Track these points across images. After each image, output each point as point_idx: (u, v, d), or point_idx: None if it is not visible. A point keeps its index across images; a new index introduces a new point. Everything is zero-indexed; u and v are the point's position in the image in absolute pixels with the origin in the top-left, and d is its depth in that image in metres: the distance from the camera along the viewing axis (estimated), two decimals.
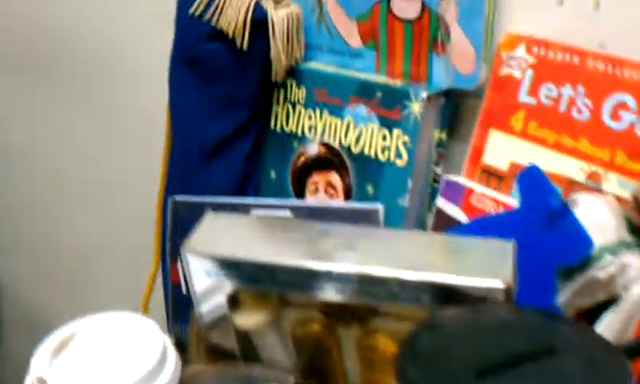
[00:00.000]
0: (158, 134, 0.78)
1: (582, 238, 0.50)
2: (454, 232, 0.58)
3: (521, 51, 0.64)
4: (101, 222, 1.05)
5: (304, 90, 0.72)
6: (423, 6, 0.66)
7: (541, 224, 0.53)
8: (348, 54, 0.72)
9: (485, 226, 0.56)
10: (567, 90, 0.61)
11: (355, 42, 0.71)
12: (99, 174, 1.03)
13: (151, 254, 0.81)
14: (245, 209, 0.70)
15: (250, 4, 0.66)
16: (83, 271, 1.11)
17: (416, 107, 0.65)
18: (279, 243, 0.54)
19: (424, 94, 0.65)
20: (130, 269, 0.91)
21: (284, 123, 0.74)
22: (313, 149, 0.72)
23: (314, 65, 0.73)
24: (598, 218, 0.52)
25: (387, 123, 0.67)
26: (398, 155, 0.66)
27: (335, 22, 0.72)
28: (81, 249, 1.10)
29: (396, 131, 0.66)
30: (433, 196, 0.70)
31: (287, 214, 0.69)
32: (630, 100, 0.58)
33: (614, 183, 0.58)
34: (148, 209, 0.80)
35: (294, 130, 0.73)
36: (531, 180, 0.53)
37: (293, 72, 0.72)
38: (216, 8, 0.66)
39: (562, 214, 0.51)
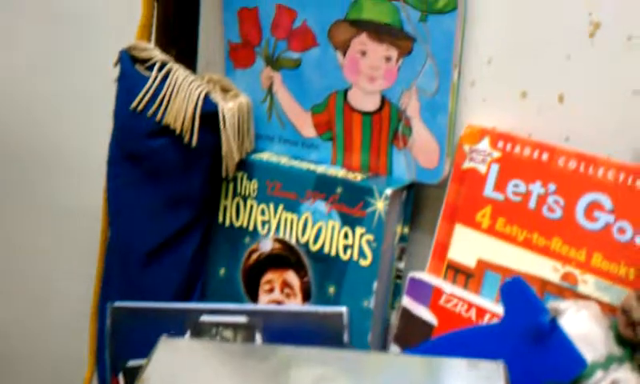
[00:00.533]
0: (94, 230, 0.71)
1: (574, 357, 0.48)
2: (435, 348, 0.54)
3: (485, 145, 0.62)
4: (27, 325, 0.95)
5: (256, 183, 0.67)
6: (383, 98, 0.63)
7: (528, 340, 0.50)
8: (301, 144, 0.68)
9: (466, 340, 0.53)
10: (537, 187, 0.60)
11: (309, 132, 0.67)
12: (29, 274, 0.93)
13: (82, 363, 0.73)
14: (195, 315, 0.64)
15: (198, 97, 0.61)
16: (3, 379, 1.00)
17: (380, 205, 0.61)
18: (244, 379, 0.49)
19: (388, 192, 0.61)
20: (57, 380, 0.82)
21: (234, 218, 0.69)
22: (267, 245, 0.67)
23: (265, 156, 0.68)
24: (585, 330, 0.50)
25: (349, 221, 0.63)
26: (362, 255, 0.62)
27: (287, 112, 0.67)
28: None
29: (359, 230, 0.62)
30: (396, 293, 0.66)
31: (243, 319, 0.63)
32: (605, 200, 0.57)
33: (590, 285, 0.57)
34: (82, 313, 0.72)
35: (244, 225, 0.68)
36: (516, 293, 0.50)
37: (243, 164, 0.68)
38: (160, 103, 0.61)
39: (552, 331, 0.48)
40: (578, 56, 0.58)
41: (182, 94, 0.61)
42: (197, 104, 0.61)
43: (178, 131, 0.61)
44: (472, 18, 0.60)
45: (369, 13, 0.60)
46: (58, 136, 0.84)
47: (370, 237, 0.62)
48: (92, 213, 0.73)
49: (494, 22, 0.60)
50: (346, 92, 0.64)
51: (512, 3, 0.59)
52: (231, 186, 0.69)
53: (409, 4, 0.59)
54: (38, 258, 0.91)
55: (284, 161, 0.67)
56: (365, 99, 0.64)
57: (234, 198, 0.69)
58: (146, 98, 0.61)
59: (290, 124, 0.68)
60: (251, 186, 0.68)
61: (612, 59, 0.58)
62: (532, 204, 0.60)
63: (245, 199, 0.68)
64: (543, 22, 0.59)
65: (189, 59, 0.66)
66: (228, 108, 0.63)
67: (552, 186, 0.59)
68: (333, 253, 0.64)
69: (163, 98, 0.61)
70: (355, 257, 0.63)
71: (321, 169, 0.65)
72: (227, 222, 0.69)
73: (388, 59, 0.61)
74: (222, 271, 0.69)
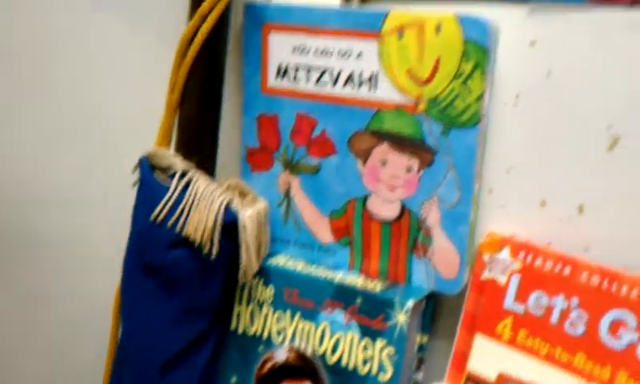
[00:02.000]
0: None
1: None
2: None
3: (505, 254, 0.61)
4: None
5: (272, 289, 0.66)
6: (403, 207, 0.62)
7: None
8: (318, 248, 0.67)
9: None
10: (559, 301, 0.59)
11: (326, 237, 0.66)
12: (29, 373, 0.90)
13: None
14: None
15: (219, 208, 0.60)
16: None
17: (401, 317, 0.60)
18: None
19: (410, 304, 0.60)
20: None
21: (248, 325, 0.67)
22: (281, 354, 0.66)
23: (281, 261, 0.67)
24: None
25: (370, 333, 0.61)
26: (382, 368, 0.61)
27: (304, 217, 0.67)
28: None
29: (379, 342, 0.61)
30: None
31: None
32: (629, 317, 0.56)
33: None
34: None
35: (258, 333, 0.67)
36: None
37: (259, 269, 0.66)
38: (181, 213, 0.60)
39: None
40: (598, 168, 0.59)
41: (202, 204, 0.61)
42: (217, 215, 0.60)
43: (197, 243, 0.60)
44: (493, 130, 0.61)
45: (390, 124, 0.61)
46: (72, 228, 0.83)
47: (391, 350, 0.61)
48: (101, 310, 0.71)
49: (514, 134, 0.60)
50: (365, 199, 0.64)
51: (532, 116, 0.60)
52: (246, 291, 0.67)
53: (431, 117, 0.59)
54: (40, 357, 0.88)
55: (301, 267, 0.66)
56: (384, 207, 0.63)
57: (248, 304, 0.67)
58: (167, 209, 0.60)
59: (306, 228, 0.67)
60: (267, 292, 0.66)
61: (631, 172, 0.58)
62: (554, 318, 0.59)
63: (260, 306, 0.67)
64: (562, 134, 0.59)
65: (208, 164, 0.65)
66: (248, 216, 0.62)
67: (575, 301, 0.58)
68: (351, 366, 0.62)
69: (184, 208, 0.60)
70: (374, 370, 0.61)
71: (339, 277, 0.64)
72: (240, 329, 0.67)
73: (409, 169, 0.61)
74: (234, 379, 0.67)
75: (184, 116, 0.63)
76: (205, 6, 0.59)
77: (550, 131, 0.59)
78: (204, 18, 0.59)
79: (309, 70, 0.63)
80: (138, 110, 0.74)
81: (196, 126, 0.64)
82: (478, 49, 0.56)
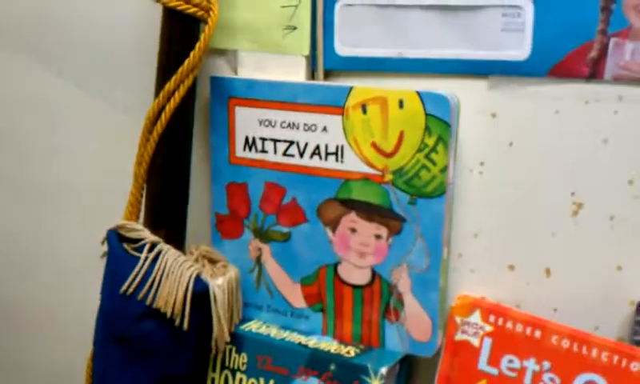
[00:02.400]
0: None
1: None
2: None
3: (476, 317, 0.62)
4: None
5: (245, 356, 0.66)
6: (374, 273, 0.63)
7: None
8: (291, 314, 0.68)
9: None
10: (531, 364, 0.60)
11: (299, 303, 0.67)
12: None
13: None
14: None
15: (189, 279, 0.60)
16: None
17: (376, 383, 0.61)
18: None
19: (384, 370, 0.61)
20: None
21: None
22: None
23: (254, 326, 0.67)
24: None
25: None
26: None
27: (276, 283, 0.67)
28: None
29: None
30: None
31: None
32: (600, 381, 0.57)
33: None
34: None
35: None
36: None
37: (232, 336, 0.66)
38: (151, 285, 0.60)
39: None
40: (563, 233, 0.60)
41: (172, 276, 0.61)
42: (187, 287, 0.60)
43: (169, 315, 0.60)
44: (460, 196, 0.62)
45: (358, 194, 0.61)
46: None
47: None
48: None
49: (481, 200, 0.61)
50: (336, 266, 0.64)
51: (497, 183, 0.61)
52: (219, 358, 0.67)
53: (398, 187, 0.60)
54: None
55: (274, 333, 0.66)
56: (355, 273, 0.64)
57: (222, 370, 0.67)
58: (137, 281, 0.60)
59: (279, 294, 0.68)
60: (240, 360, 0.67)
61: (595, 237, 0.59)
62: (527, 380, 0.60)
63: (234, 373, 0.67)
64: (528, 200, 0.60)
65: (178, 233, 0.66)
66: (218, 286, 0.63)
67: (547, 364, 0.59)
68: None
69: (153, 280, 0.60)
70: None
71: (312, 342, 0.65)
72: None
73: (378, 237, 0.62)
74: None
75: (152, 188, 0.63)
76: (171, 85, 0.59)
77: (515, 197, 0.60)
78: (170, 96, 0.60)
79: (275, 142, 0.63)
80: (107, 182, 0.74)
81: (164, 197, 0.64)
82: (440, 124, 0.57)
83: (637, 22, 0.54)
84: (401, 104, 0.58)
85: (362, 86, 0.59)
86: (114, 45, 0.70)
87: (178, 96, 0.60)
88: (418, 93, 0.57)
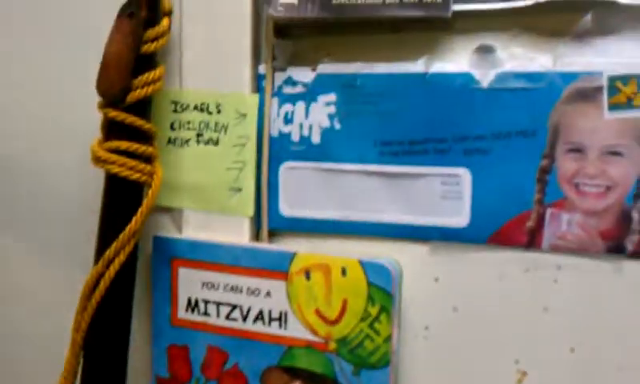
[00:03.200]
0: None
1: None
2: None
3: None
4: None
5: None
6: None
7: None
8: None
9: None
10: None
11: None
12: None
13: None
14: None
15: None
16: None
17: None
18: None
19: None
20: None
21: None
22: None
23: None
24: None
25: None
26: None
27: None
28: None
29: None
30: None
31: None
32: None
33: None
34: None
35: None
36: None
37: None
38: None
39: None
40: None
41: None
42: None
43: None
44: (405, 361, 0.61)
45: (302, 362, 0.60)
46: None
47: None
48: None
49: (426, 365, 0.61)
50: None
51: (442, 348, 0.60)
52: None
53: (342, 357, 0.59)
54: None
55: None
56: None
57: None
58: None
59: None
60: None
61: None
62: None
63: None
64: (473, 366, 0.60)
65: None
66: None
67: None
68: None
69: None
70: None
71: None
72: None
73: None
74: None
75: (89, 355, 0.61)
76: (111, 252, 0.58)
77: (460, 363, 0.60)
78: (109, 263, 0.58)
79: (218, 305, 0.62)
80: (44, 347, 0.71)
81: (102, 364, 0.61)
82: (382, 293, 0.57)
83: (571, 194, 0.56)
84: (344, 272, 0.58)
85: (306, 253, 0.59)
86: (58, 199, 0.70)
87: (118, 263, 0.59)
88: (360, 261, 0.57)
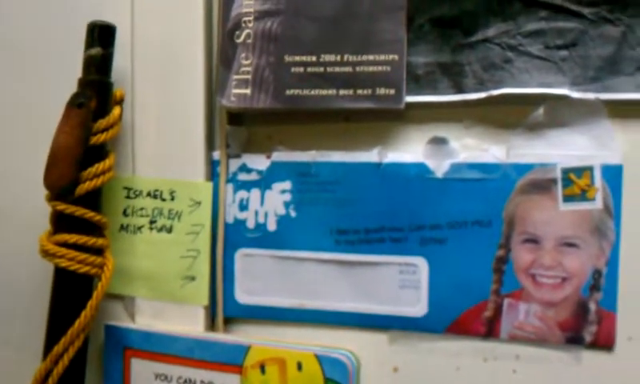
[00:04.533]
0: None
1: None
2: None
3: None
4: None
5: None
6: None
7: None
8: None
9: None
10: None
11: None
12: None
13: None
14: None
15: None
16: None
17: None
18: None
19: None
20: None
21: None
22: None
23: None
24: None
25: None
26: None
27: None
28: None
29: None
30: None
31: None
32: None
33: None
34: None
35: None
36: None
37: None
38: None
39: None
40: None
41: None
42: None
43: None
44: None
45: None
46: None
47: None
48: None
49: None
50: None
51: None
52: None
53: None
54: None
55: None
56: None
57: None
58: None
59: None
60: None
61: None
62: None
63: None
64: None
65: None
66: None
67: None
68: None
69: None
70: None
71: None
72: None
73: None
74: None
75: None
76: (59, 347, 0.56)
77: None
78: (58, 359, 0.57)
79: None
80: None
81: None
82: None
83: (528, 284, 0.55)
84: (299, 366, 0.56)
85: (261, 346, 0.58)
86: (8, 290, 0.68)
87: (67, 358, 0.57)
88: (317, 355, 0.56)
